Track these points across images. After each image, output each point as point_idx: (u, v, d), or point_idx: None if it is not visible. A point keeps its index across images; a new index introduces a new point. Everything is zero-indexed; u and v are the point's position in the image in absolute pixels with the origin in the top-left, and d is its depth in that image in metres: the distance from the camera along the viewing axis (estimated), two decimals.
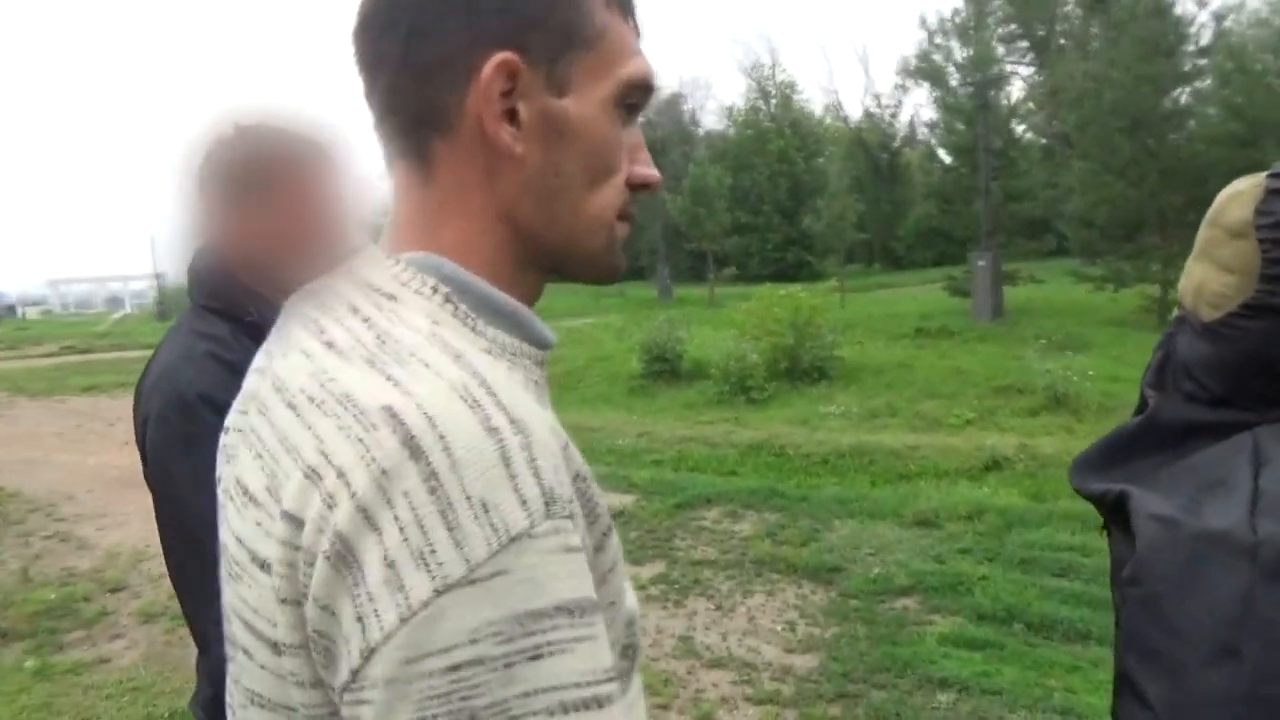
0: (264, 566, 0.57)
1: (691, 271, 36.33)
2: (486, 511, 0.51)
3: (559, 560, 0.52)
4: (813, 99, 50.79)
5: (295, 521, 0.54)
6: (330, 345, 0.61)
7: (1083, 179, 18.23)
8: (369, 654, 0.50)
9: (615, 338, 16.87)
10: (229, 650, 0.68)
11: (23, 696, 4.16)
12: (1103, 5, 25.46)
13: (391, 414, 0.53)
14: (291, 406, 0.59)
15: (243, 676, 0.62)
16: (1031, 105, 35.40)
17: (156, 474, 1.39)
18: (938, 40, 36.66)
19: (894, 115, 45.41)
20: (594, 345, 17.65)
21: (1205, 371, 0.99)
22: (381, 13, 0.66)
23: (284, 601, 0.55)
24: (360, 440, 0.53)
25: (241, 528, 0.61)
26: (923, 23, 44.18)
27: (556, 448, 0.57)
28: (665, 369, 13.17)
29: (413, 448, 0.52)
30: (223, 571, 0.67)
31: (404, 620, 0.49)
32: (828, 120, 47.04)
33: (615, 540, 0.67)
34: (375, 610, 0.50)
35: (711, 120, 52.58)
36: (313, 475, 0.54)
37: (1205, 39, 19.65)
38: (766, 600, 5.00)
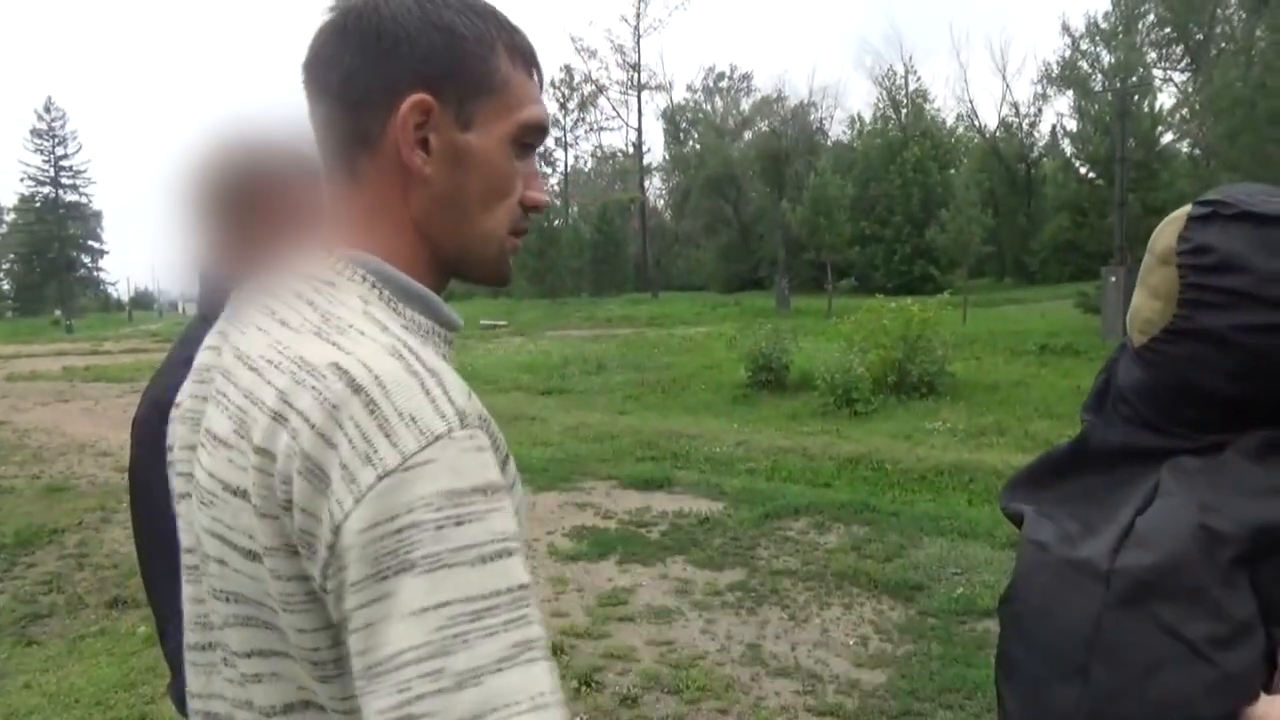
0: (237, 492, 0.73)
1: (813, 282, 35.87)
2: (415, 421, 0.67)
3: (473, 455, 0.68)
4: (945, 108, 49.44)
5: (268, 454, 0.69)
6: (284, 323, 0.77)
7: None
8: (337, 530, 0.65)
9: (726, 347, 16.87)
10: (199, 564, 0.82)
11: (133, 659, 4.53)
12: (1267, 7, 23.84)
13: (338, 367, 0.69)
14: (254, 369, 0.74)
15: (215, 581, 0.78)
16: (1185, 113, 33.44)
17: (133, 473, 1.52)
18: (1083, 46, 35.15)
19: (1032, 125, 43.78)
20: (704, 354, 17.71)
21: (1138, 396, 0.99)
22: (326, 51, 0.80)
23: (263, 516, 0.70)
24: (314, 388, 0.69)
25: (213, 465, 0.76)
26: (1065, 29, 42.30)
27: (464, 388, 0.73)
28: (770, 379, 13.10)
29: (355, 387, 0.68)
30: (192, 502, 0.82)
31: (357, 501, 0.65)
32: (960, 130, 45.71)
33: (513, 466, 0.83)
34: (338, 500, 0.65)
35: (840, 130, 51.86)
36: (278, 418, 0.69)
37: None
38: (842, 613, 4.94)
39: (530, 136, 0.84)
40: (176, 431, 0.89)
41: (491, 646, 0.63)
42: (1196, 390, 0.93)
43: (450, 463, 0.66)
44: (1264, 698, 0.81)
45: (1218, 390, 0.92)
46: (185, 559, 0.86)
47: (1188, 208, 0.98)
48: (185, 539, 0.86)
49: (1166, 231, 0.98)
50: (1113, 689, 0.85)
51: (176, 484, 0.88)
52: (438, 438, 0.66)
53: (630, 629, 4.77)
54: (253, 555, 0.72)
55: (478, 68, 0.80)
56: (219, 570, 0.76)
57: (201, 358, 0.88)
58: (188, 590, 0.86)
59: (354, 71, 0.79)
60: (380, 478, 0.64)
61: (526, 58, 0.84)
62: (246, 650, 0.76)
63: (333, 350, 0.71)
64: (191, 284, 1.64)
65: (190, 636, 0.86)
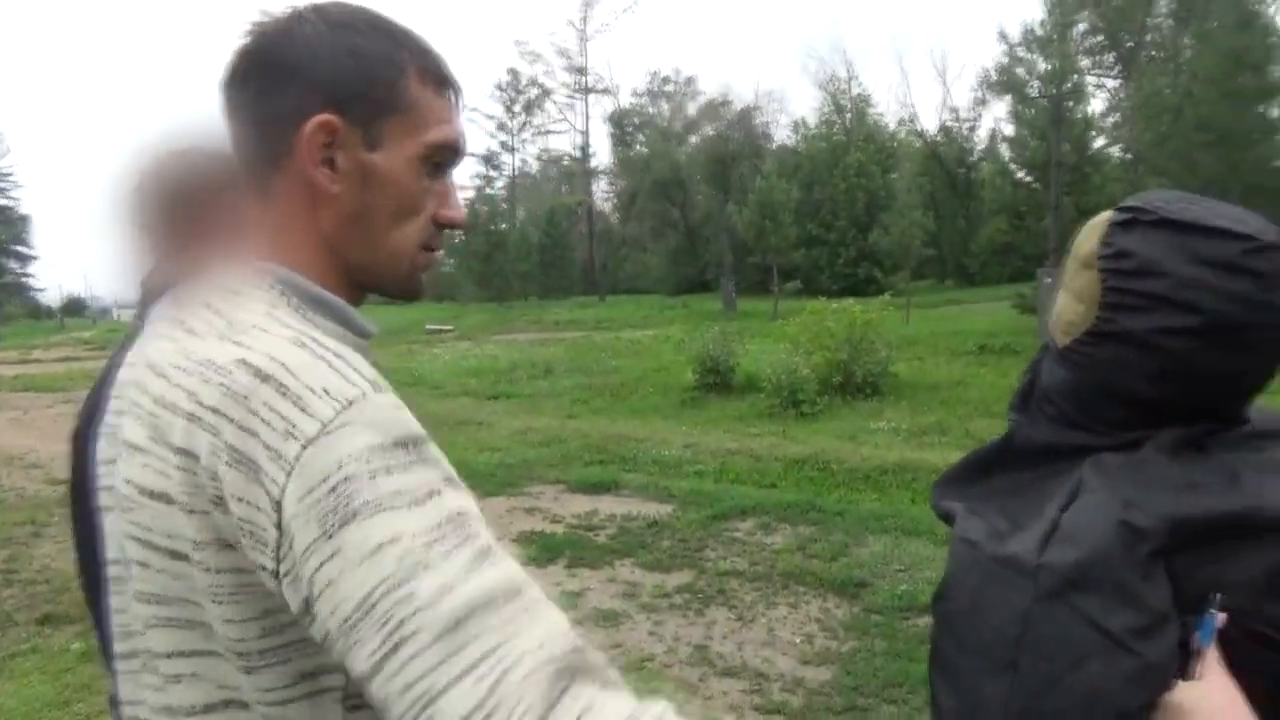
0: (155, 495, 0.75)
1: (759, 285, 36.16)
2: (327, 392, 0.71)
3: (390, 411, 0.72)
4: (887, 112, 50.15)
5: (189, 454, 0.72)
6: (191, 332, 0.80)
7: None
8: (278, 506, 0.68)
9: (674, 350, 16.93)
10: (123, 574, 0.84)
11: (67, 676, 4.39)
12: (1193, 16, 24.66)
13: (242, 362, 0.73)
14: (163, 376, 0.77)
15: (137, 584, 0.79)
16: (1117, 119, 34.42)
17: (74, 485, 1.48)
18: (1020, 53, 35.95)
19: (971, 130, 44.68)
20: (651, 357, 17.74)
21: (1061, 396, 1.02)
22: (239, 74, 0.84)
23: (191, 513, 0.73)
24: (222, 384, 0.72)
25: (130, 472, 0.78)
26: (1002, 36, 43.27)
27: (373, 368, 0.76)
28: (718, 381, 13.17)
29: (262, 376, 0.71)
30: (114, 514, 0.83)
31: (288, 474, 0.68)
32: (902, 134, 46.45)
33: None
34: (272, 479, 0.68)
35: (784, 134, 52.34)
36: (193, 419, 0.73)
37: None
38: (789, 612, 4.99)
39: (441, 156, 0.88)
40: (100, 447, 0.90)
41: (453, 563, 0.67)
42: (1117, 390, 0.96)
43: (368, 421, 0.70)
44: (1180, 684, 0.84)
45: (1138, 391, 0.95)
46: (110, 570, 0.87)
47: (1109, 213, 1.01)
48: (109, 551, 0.87)
49: (1089, 237, 1.01)
50: (1041, 682, 0.87)
51: (100, 499, 0.89)
52: (352, 402, 0.70)
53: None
54: (175, 555, 0.74)
55: (384, 90, 0.83)
56: (141, 573, 0.78)
57: (121, 374, 0.89)
58: (113, 601, 0.87)
59: (264, 92, 0.82)
60: (304, 446, 0.68)
61: (438, 80, 0.88)
62: (167, 651, 0.78)
63: (236, 349, 0.74)
64: (131, 291, 1.61)
65: (117, 646, 0.87)
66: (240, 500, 0.70)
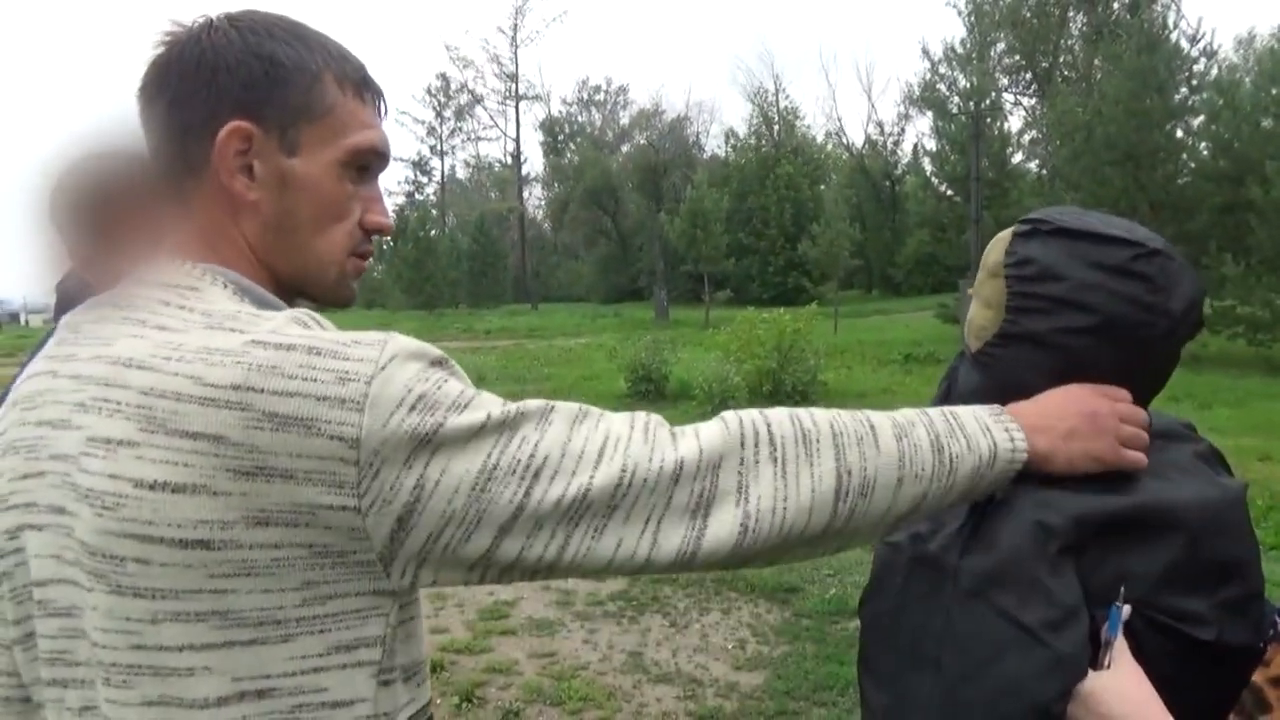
0: (156, 485, 0.71)
1: (691, 293, 36.45)
2: (358, 341, 0.75)
3: (416, 342, 0.77)
4: (815, 125, 51.08)
5: (209, 438, 0.71)
6: (163, 328, 0.78)
7: None
8: (356, 443, 0.71)
9: (606, 357, 16.95)
10: (50, 598, 0.79)
11: None
12: (1103, 39, 25.68)
13: (255, 342, 0.74)
14: (147, 368, 0.74)
15: (137, 580, 0.73)
16: (1033, 135, 35.61)
17: None
18: (941, 69, 36.99)
19: (896, 143, 45.78)
20: (584, 364, 17.74)
21: (975, 398, 1.08)
22: (153, 83, 0.84)
23: (215, 494, 0.71)
24: (239, 363, 0.72)
25: (115, 468, 0.73)
26: (924, 53, 44.59)
27: None
28: (650, 389, 13.25)
29: (285, 347, 0.73)
30: (44, 533, 0.79)
31: (360, 410, 0.71)
32: (829, 147, 47.37)
33: None
34: (340, 423, 0.71)
35: (715, 144, 52.92)
36: (206, 401, 0.71)
37: (1213, 73, 19.47)
38: (721, 618, 5.05)
39: (365, 160, 0.88)
40: (12, 464, 0.83)
41: (535, 407, 0.79)
42: (1024, 390, 1.01)
43: (407, 352, 0.75)
44: (1091, 674, 0.90)
45: (1042, 389, 1.01)
46: (35, 593, 0.81)
47: (1013, 226, 1.08)
48: (33, 573, 0.81)
49: (996, 248, 1.08)
50: (961, 675, 0.92)
51: (7, 519, 0.83)
52: (386, 342, 0.75)
53: (512, 642, 4.75)
54: (186, 543, 0.71)
55: (299, 95, 0.84)
56: (140, 570, 0.73)
57: (30, 386, 0.84)
58: (38, 626, 0.81)
59: (177, 100, 0.82)
60: (368, 384, 0.72)
61: (358, 84, 0.88)
62: (179, 645, 0.74)
63: (238, 335, 0.75)
64: (45, 296, 1.58)
65: (43, 672, 0.82)
66: (298, 456, 0.71)
